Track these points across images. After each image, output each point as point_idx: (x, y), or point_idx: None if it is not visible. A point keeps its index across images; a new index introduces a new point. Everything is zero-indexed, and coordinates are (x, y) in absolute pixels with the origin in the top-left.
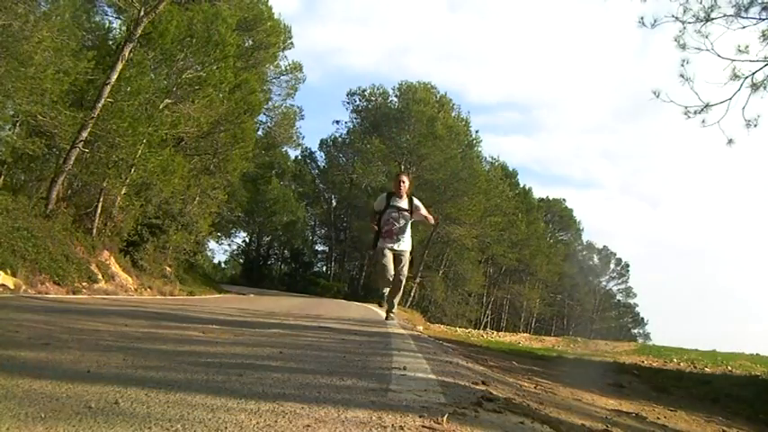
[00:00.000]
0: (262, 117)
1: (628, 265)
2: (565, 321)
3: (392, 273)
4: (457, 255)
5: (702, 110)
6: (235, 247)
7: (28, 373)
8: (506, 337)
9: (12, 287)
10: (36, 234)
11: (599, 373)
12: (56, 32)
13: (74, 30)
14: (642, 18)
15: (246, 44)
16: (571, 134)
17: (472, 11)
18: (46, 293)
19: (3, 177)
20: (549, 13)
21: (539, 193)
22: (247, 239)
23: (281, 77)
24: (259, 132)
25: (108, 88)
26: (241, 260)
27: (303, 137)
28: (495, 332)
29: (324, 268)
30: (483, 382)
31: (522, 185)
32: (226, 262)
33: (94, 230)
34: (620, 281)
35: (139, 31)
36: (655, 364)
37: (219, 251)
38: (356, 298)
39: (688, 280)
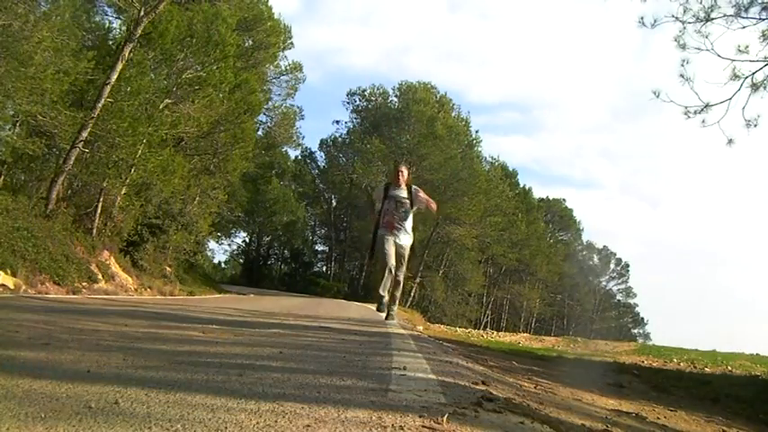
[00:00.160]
0: (262, 117)
1: (628, 265)
2: (565, 321)
3: (393, 262)
4: (457, 255)
5: (702, 110)
6: (235, 247)
7: (28, 373)
8: (506, 337)
9: (12, 287)
10: (36, 234)
11: (599, 373)
12: (56, 32)
13: (74, 30)
14: (642, 18)
15: (246, 44)
16: (571, 134)
17: (472, 11)
18: (46, 293)
19: (3, 177)
20: (549, 13)
21: (539, 193)
22: (247, 239)
23: (281, 77)
24: (259, 132)
25: (108, 88)
26: (241, 260)
27: (303, 137)
28: (495, 332)
29: (324, 268)
30: (483, 382)
31: (522, 185)
32: (226, 262)
33: (94, 230)
34: (620, 281)
35: (139, 31)
36: (655, 364)
37: (219, 251)
38: (356, 298)
39: (688, 280)
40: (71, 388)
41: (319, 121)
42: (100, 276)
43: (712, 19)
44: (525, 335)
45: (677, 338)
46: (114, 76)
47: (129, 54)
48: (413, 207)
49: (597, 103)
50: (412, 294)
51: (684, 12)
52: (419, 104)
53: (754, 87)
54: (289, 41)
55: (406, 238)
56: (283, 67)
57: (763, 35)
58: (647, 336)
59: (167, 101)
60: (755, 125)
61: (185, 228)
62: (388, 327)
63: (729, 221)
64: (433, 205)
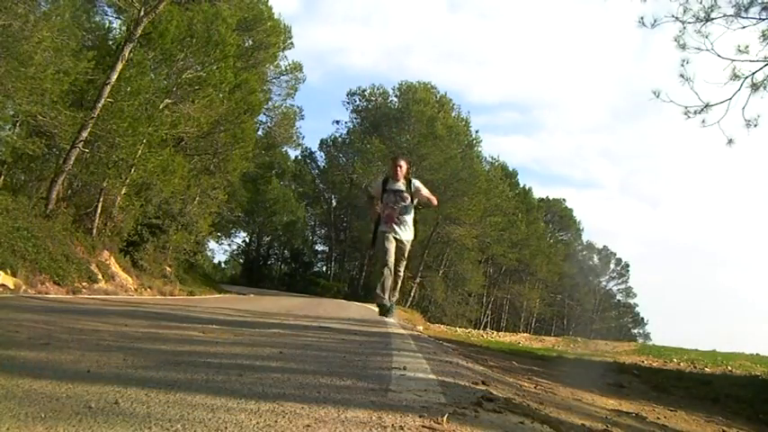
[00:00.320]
0: (262, 117)
1: (628, 265)
2: (565, 321)
3: (393, 259)
4: (457, 255)
5: (702, 110)
6: (235, 247)
7: (28, 373)
8: (506, 337)
9: (12, 287)
10: (36, 234)
11: (599, 373)
12: (56, 32)
13: (74, 30)
14: (642, 18)
15: (246, 44)
16: (571, 134)
17: (472, 11)
18: (46, 293)
19: (3, 177)
20: (549, 13)
21: (539, 193)
22: (247, 239)
23: (281, 77)
24: (259, 132)
25: (108, 88)
26: (241, 260)
27: (303, 137)
28: (495, 332)
29: (324, 268)
30: (483, 382)
31: (522, 185)
32: (226, 262)
33: (94, 230)
34: (620, 281)
35: (139, 31)
36: (655, 364)
37: (219, 251)
38: (356, 298)
39: (688, 280)
40: (71, 388)
41: (319, 121)
42: (100, 276)
43: (712, 19)
44: (525, 335)
45: (677, 338)
46: (114, 76)
47: (129, 54)
48: (413, 201)
49: (597, 103)
50: (412, 294)
51: (684, 12)
52: (419, 104)
53: (754, 87)
54: (289, 41)
55: (406, 233)
56: (283, 67)
57: (763, 35)
58: (647, 336)
59: (167, 101)
60: (755, 125)
61: (185, 228)
62: (388, 327)
63: (729, 221)
64: (434, 201)
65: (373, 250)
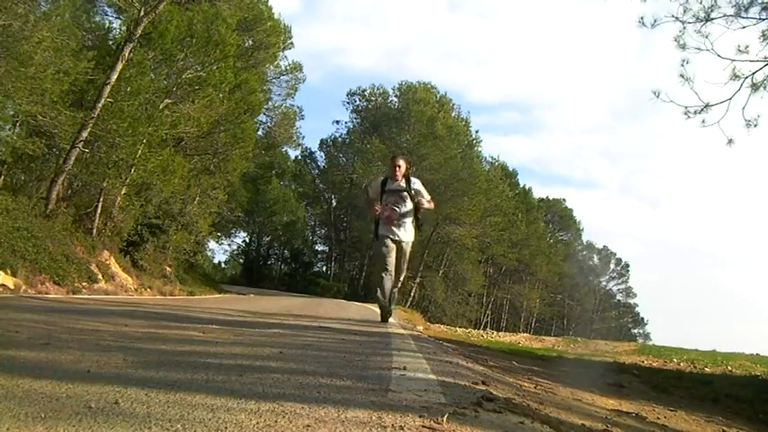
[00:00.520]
0: (262, 117)
1: (628, 265)
2: (565, 321)
3: (392, 265)
4: (457, 255)
5: (702, 110)
6: (235, 247)
7: (28, 373)
8: (506, 337)
9: (12, 287)
10: (36, 234)
11: (599, 373)
12: (56, 32)
13: (74, 30)
14: (642, 18)
15: (246, 44)
16: (571, 134)
17: (472, 11)
18: (46, 293)
19: (3, 177)
20: (549, 13)
21: (539, 193)
22: (247, 239)
23: (281, 77)
24: (259, 132)
25: (108, 88)
26: (241, 260)
27: (303, 137)
28: (495, 332)
29: (324, 268)
30: (483, 382)
31: (522, 185)
32: (226, 262)
33: (94, 230)
34: (620, 281)
35: (139, 31)
36: (655, 364)
37: (219, 251)
38: (356, 298)
39: (688, 280)
40: (71, 388)
41: (319, 121)
42: (100, 276)
43: (712, 19)
44: (525, 335)
45: (677, 338)
46: (114, 76)
47: (129, 54)
48: (414, 199)
49: (597, 103)
50: (412, 294)
51: (684, 12)
52: (419, 104)
53: (754, 87)
54: (289, 41)
55: (407, 235)
56: (283, 67)
57: (763, 35)
58: (647, 336)
59: (167, 101)
60: (755, 125)
61: (185, 228)
62: (388, 327)
63: (729, 221)
64: (431, 205)
65: (373, 250)
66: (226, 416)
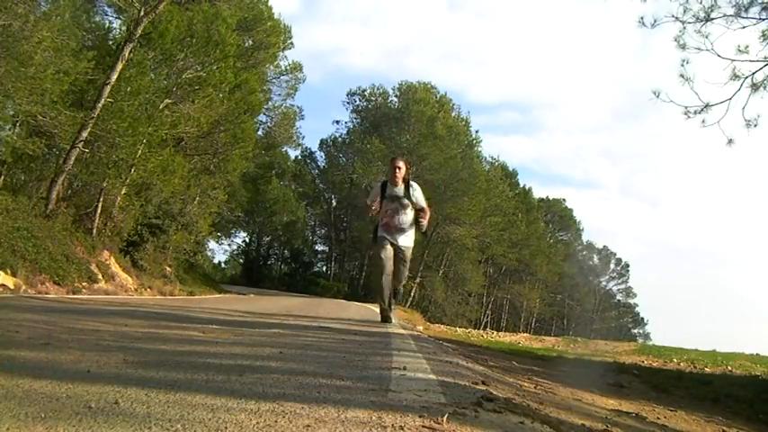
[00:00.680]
0: (262, 117)
1: (628, 265)
2: (565, 321)
3: (391, 270)
4: (457, 255)
5: (702, 110)
6: (235, 247)
7: (28, 373)
8: (506, 337)
9: (12, 287)
10: (36, 234)
11: (599, 373)
12: (56, 32)
13: (74, 30)
14: (642, 18)
15: (246, 44)
16: (571, 134)
17: (472, 11)
18: (46, 293)
19: (3, 177)
20: (549, 13)
21: (539, 193)
22: (247, 239)
23: (281, 77)
24: (259, 132)
25: (108, 88)
26: (241, 260)
27: (303, 137)
28: (495, 332)
29: (324, 268)
30: (483, 382)
31: (522, 185)
32: (226, 262)
33: (94, 230)
34: (620, 281)
35: (139, 31)
36: (655, 364)
37: (219, 251)
38: (356, 298)
39: (688, 280)
40: (71, 388)
41: (319, 121)
42: (100, 276)
43: (712, 19)
44: (525, 335)
45: (677, 338)
46: (114, 76)
47: (129, 54)
48: (413, 205)
49: (597, 102)
50: (412, 294)
51: (684, 12)
52: (419, 104)
53: (754, 87)
54: (289, 41)
55: (406, 240)
56: (283, 67)
57: (763, 35)
58: (647, 336)
59: (167, 101)
60: (755, 125)
61: (185, 228)
62: (388, 327)
63: (729, 221)
64: (426, 221)
65: (372, 252)
66: (226, 416)
